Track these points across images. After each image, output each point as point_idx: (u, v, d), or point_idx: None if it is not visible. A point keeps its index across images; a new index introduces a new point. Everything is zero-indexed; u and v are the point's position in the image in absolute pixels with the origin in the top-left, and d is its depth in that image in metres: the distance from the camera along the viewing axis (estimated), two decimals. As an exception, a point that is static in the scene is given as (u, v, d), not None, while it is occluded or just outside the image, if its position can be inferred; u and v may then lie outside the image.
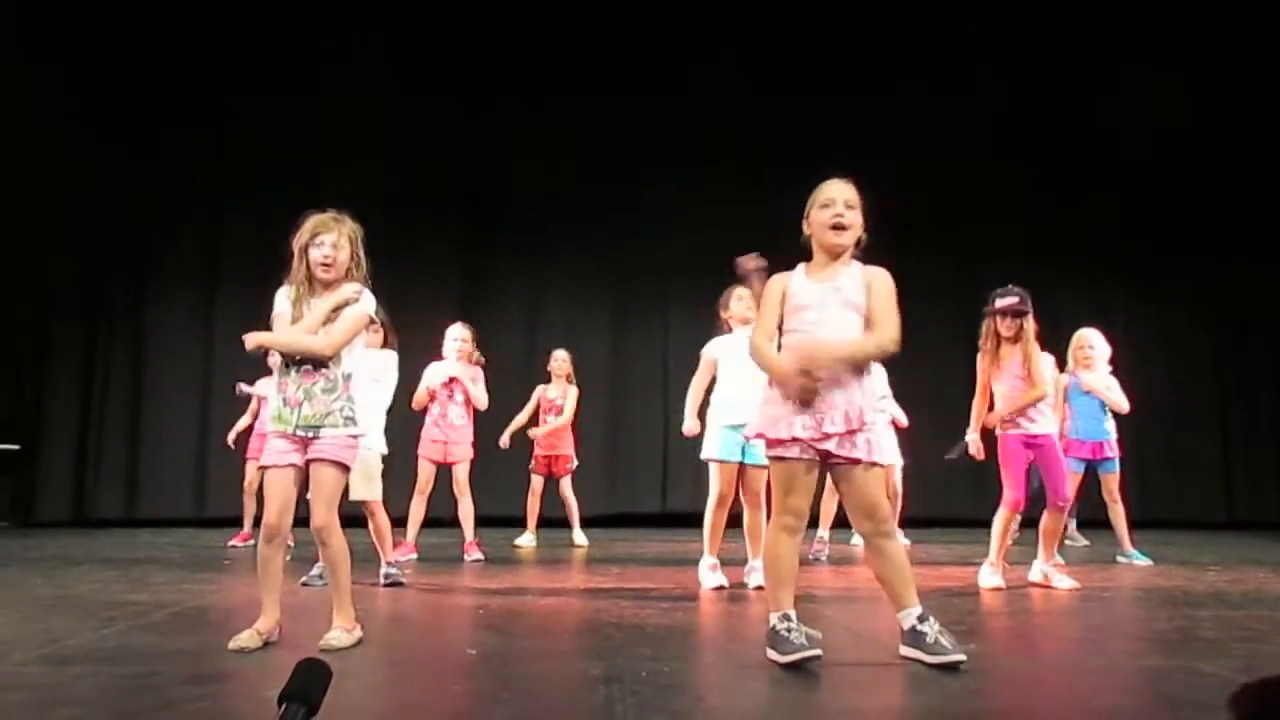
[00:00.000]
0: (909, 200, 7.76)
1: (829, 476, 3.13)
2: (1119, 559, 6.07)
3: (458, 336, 6.25)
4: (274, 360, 3.28)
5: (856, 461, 2.96)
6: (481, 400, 6.25)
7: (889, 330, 3.01)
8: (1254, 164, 9.42)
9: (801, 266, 3.17)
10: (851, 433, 2.94)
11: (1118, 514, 6.18)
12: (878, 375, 5.29)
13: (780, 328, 3.14)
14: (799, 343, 3.05)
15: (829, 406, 2.95)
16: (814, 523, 6.79)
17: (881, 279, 3.08)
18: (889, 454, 3.05)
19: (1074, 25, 9.31)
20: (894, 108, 9.18)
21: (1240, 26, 9.04)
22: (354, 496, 5.03)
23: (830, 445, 2.95)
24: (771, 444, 3.03)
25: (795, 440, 2.97)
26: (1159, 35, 9.09)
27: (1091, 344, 6.23)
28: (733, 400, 4.76)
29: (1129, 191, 9.37)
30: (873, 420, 2.99)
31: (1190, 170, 9.36)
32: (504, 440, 7.12)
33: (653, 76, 9.10)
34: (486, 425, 6.74)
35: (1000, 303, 4.86)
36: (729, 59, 9.27)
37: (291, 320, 3.26)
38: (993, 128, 9.37)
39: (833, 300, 3.05)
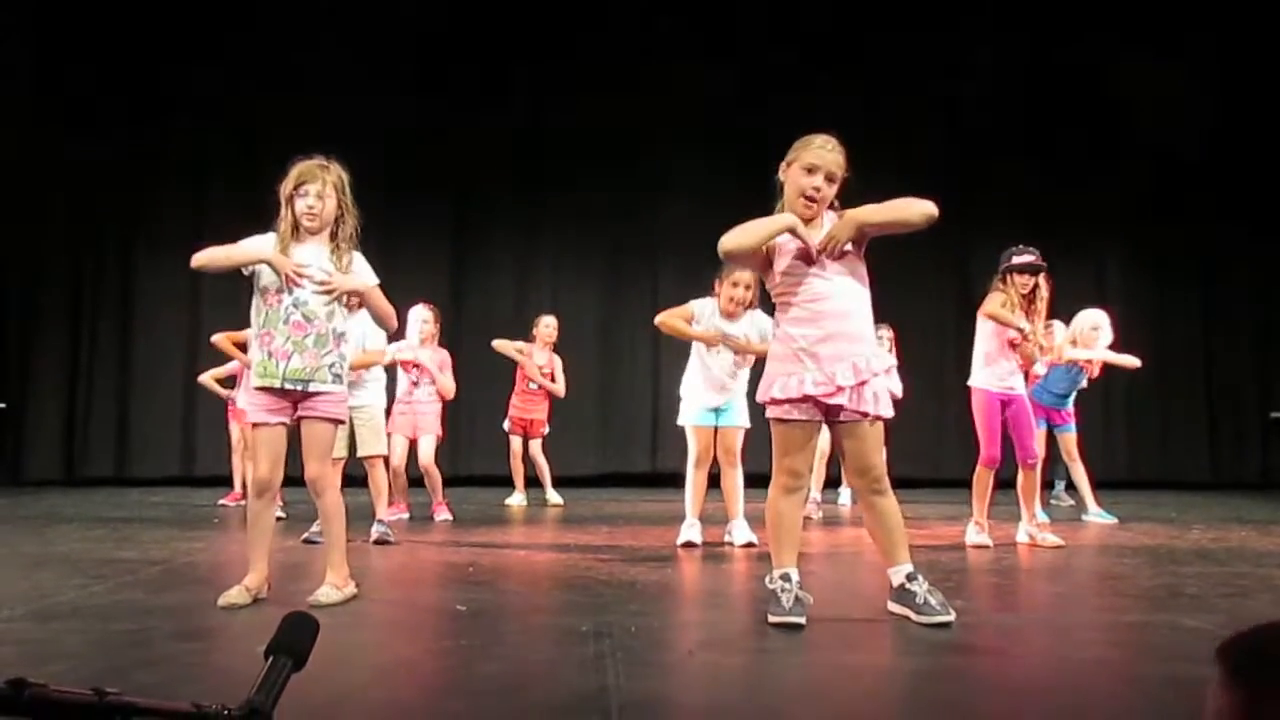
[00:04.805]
0: (899, 165, 7.70)
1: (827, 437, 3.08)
2: (1083, 518, 6.11)
3: (422, 319, 6.05)
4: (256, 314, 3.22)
5: (864, 415, 2.93)
6: (449, 389, 6.09)
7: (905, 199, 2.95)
8: (1243, 129, 9.37)
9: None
10: (862, 384, 2.91)
11: (1079, 473, 6.19)
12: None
13: (772, 269, 3.01)
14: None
15: (836, 359, 2.90)
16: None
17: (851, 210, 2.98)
18: (890, 407, 3.02)
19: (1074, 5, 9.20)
20: (889, 78, 9.08)
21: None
22: (362, 453, 5.02)
23: (842, 399, 2.89)
24: (775, 405, 2.96)
25: (806, 398, 2.90)
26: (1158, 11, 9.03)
27: (1097, 324, 6.00)
28: (702, 385, 4.78)
29: (1120, 154, 9.31)
30: (879, 369, 2.95)
31: (1180, 134, 9.29)
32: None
33: (647, 54, 8.97)
34: (467, 401, 6.62)
35: (1017, 259, 4.83)
36: (727, 44, 9.13)
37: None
38: (987, 99, 9.28)
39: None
